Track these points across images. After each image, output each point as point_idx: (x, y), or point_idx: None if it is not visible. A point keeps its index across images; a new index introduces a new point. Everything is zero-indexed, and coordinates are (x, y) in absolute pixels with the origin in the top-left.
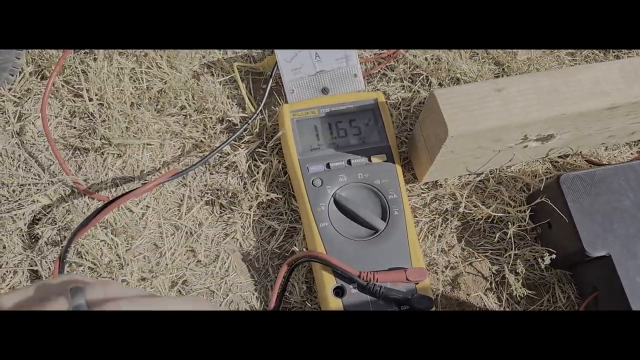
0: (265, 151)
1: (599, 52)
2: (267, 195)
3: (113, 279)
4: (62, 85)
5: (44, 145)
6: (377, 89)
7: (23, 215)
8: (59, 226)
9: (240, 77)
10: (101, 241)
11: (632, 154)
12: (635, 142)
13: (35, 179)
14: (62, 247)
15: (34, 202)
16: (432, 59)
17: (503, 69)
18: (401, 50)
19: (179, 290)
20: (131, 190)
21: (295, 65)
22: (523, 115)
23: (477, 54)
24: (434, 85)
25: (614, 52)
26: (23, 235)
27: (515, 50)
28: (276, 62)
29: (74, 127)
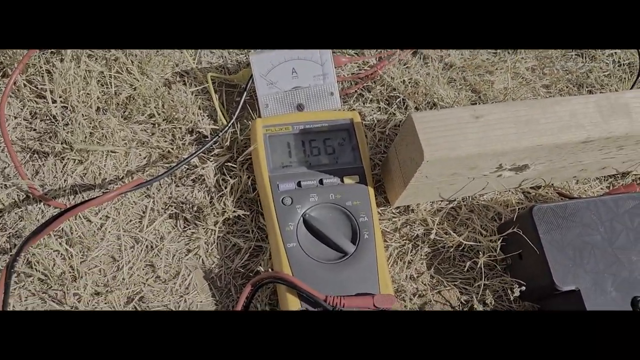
0: (234, 166)
1: (573, 86)
2: (234, 211)
3: (64, 292)
4: (24, 85)
5: (0, 147)
6: (353, 109)
7: None
8: (9, 233)
9: (214, 89)
10: (54, 251)
11: (602, 188)
12: (605, 177)
13: None
14: (11, 255)
15: None
16: (409, 82)
17: (479, 97)
18: (379, 71)
19: (135, 307)
20: (91, 199)
21: (271, 79)
22: (500, 144)
23: (455, 80)
24: (411, 109)
25: (587, 88)
26: None
27: (492, 79)
28: (251, 75)
29: (34, 129)
